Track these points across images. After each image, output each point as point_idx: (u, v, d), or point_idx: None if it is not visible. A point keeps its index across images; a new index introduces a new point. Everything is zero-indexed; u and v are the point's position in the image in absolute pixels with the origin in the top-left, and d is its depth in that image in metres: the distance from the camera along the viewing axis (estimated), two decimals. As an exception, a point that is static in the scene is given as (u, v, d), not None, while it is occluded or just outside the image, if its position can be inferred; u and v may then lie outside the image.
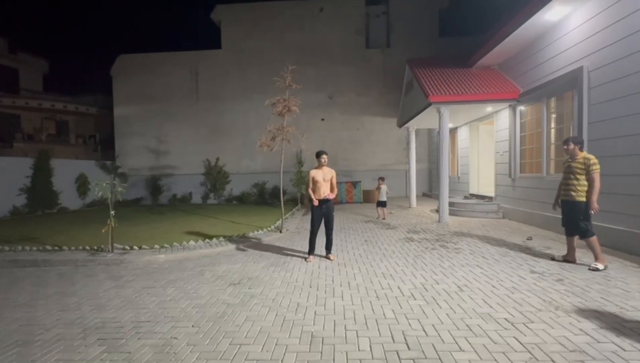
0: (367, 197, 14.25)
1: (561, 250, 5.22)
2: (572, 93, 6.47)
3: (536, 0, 6.46)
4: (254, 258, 5.51)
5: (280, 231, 7.61)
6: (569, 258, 4.72)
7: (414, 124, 12.18)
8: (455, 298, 3.55)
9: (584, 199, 4.44)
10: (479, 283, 3.97)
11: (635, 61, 4.99)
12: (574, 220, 4.55)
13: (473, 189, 11.57)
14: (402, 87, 13.17)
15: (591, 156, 4.45)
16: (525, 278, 4.12)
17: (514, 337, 2.71)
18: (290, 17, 16.84)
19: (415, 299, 3.57)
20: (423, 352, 2.54)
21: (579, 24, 6.21)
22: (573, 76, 6.30)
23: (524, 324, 2.92)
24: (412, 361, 2.43)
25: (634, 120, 5.02)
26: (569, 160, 4.67)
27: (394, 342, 2.71)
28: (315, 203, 5.18)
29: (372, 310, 3.34)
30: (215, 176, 16.30)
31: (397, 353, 2.54)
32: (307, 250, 5.43)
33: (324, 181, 5.24)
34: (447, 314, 3.17)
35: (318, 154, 5.34)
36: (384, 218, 9.45)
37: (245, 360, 2.52)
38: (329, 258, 5.28)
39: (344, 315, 3.23)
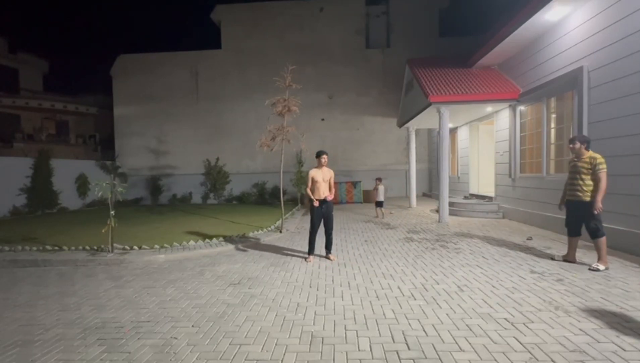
0: (367, 197, 14.25)
1: (561, 250, 5.22)
2: (572, 93, 6.47)
3: (536, 0, 6.46)
4: (254, 258, 5.51)
5: (280, 231, 7.61)
6: (569, 258, 4.72)
7: (414, 124, 12.18)
8: (455, 298, 3.55)
9: (589, 199, 4.37)
10: (479, 283, 3.97)
11: (635, 61, 4.99)
12: (581, 221, 4.50)
13: (473, 189, 11.57)
14: (402, 87, 13.17)
15: (597, 156, 4.37)
16: (525, 278, 4.12)
17: (514, 337, 2.71)
18: (290, 17, 16.84)
19: (415, 299, 3.57)
20: (423, 352, 2.54)
21: (578, 24, 6.21)
22: (573, 76, 6.30)
23: (524, 324, 2.92)
24: (412, 361, 2.43)
25: (634, 120, 5.02)
26: (575, 159, 4.58)
27: (394, 342, 2.71)
28: (316, 203, 5.18)
29: (372, 310, 3.34)
30: (215, 176, 16.30)
31: (397, 353, 2.54)
32: (307, 250, 5.43)
33: (323, 181, 5.24)
34: (447, 314, 3.17)
35: (318, 154, 5.34)
36: (383, 218, 9.57)
37: (245, 360, 2.52)
38: (329, 258, 5.28)
39: (344, 315, 3.23)
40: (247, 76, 16.87)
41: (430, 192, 16.16)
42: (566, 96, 6.78)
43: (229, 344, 2.75)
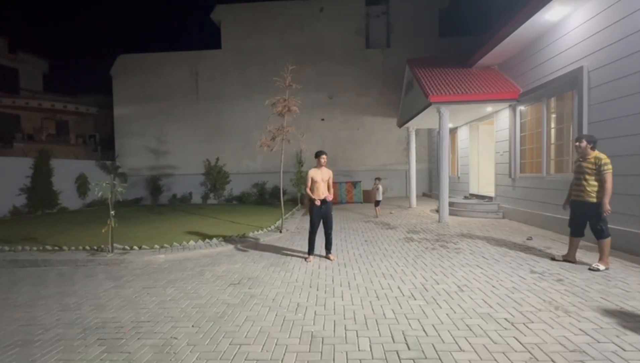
0: (367, 197, 14.25)
1: (561, 250, 5.22)
2: (572, 93, 6.47)
3: (536, 0, 6.46)
4: (254, 258, 5.51)
5: (280, 231, 7.61)
6: (569, 258, 4.71)
7: (414, 124, 12.18)
8: (455, 298, 3.55)
9: (594, 200, 4.32)
10: (479, 283, 3.97)
11: (635, 61, 4.99)
12: (584, 221, 4.47)
13: (473, 189, 11.57)
14: (402, 87, 13.17)
15: (602, 156, 4.30)
16: (525, 278, 4.12)
17: (514, 337, 2.71)
18: (290, 17, 16.84)
19: (415, 299, 3.57)
20: (423, 352, 2.54)
21: (578, 24, 6.21)
22: (573, 76, 6.30)
23: (524, 324, 2.92)
24: (412, 361, 2.43)
25: (634, 120, 5.02)
26: (580, 159, 4.51)
27: (394, 342, 2.71)
28: (317, 202, 5.18)
29: (372, 310, 3.34)
30: (215, 176, 16.30)
31: (397, 353, 2.54)
32: (307, 250, 5.43)
33: (322, 181, 5.25)
34: (447, 314, 3.17)
35: (317, 154, 5.34)
36: (376, 217, 9.80)
37: (245, 360, 2.52)
38: (328, 258, 5.28)
39: (344, 315, 3.23)
40: (247, 76, 16.87)
41: (430, 192, 16.16)
42: (566, 96, 6.78)
43: (229, 344, 2.75)
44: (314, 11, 16.73)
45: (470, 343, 2.63)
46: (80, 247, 6.17)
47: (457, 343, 2.65)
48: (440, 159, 9.06)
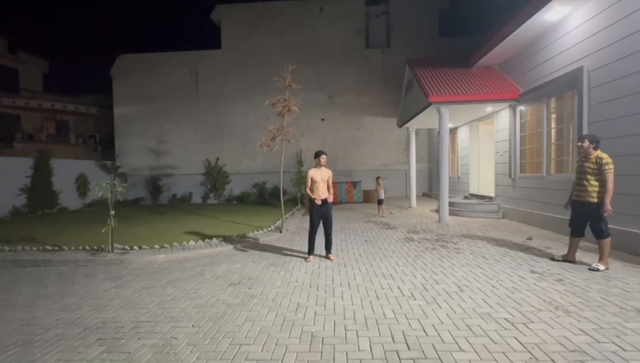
0: (367, 197, 14.25)
1: (561, 250, 5.22)
2: (572, 93, 6.47)
3: (536, 0, 6.46)
4: (253, 258, 5.51)
5: (280, 231, 7.61)
6: (569, 258, 4.71)
7: (414, 124, 12.18)
8: (455, 298, 3.55)
9: (595, 200, 4.31)
10: (479, 283, 3.97)
11: (635, 61, 4.99)
12: (585, 221, 4.46)
13: (473, 189, 11.57)
14: (402, 87, 13.17)
15: (604, 156, 4.27)
16: (525, 278, 4.12)
17: (514, 337, 2.71)
18: (290, 17, 16.84)
19: (415, 299, 3.57)
20: (423, 352, 2.54)
21: (578, 24, 6.21)
22: (573, 76, 6.30)
23: (524, 324, 2.92)
24: (412, 361, 2.43)
25: (634, 120, 5.02)
26: (582, 159, 4.49)
27: (394, 342, 2.71)
28: (318, 202, 5.18)
29: (372, 310, 3.34)
30: (215, 176, 16.30)
31: (397, 353, 2.54)
32: (306, 250, 5.43)
33: (322, 181, 5.25)
34: (447, 314, 3.17)
35: (317, 154, 5.34)
36: (383, 215, 9.89)
37: (245, 360, 2.52)
38: (328, 258, 5.28)
39: (344, 315, 3.23)
40: (247, 76, 16.87)
41: (430, 192, 16.16)
42: (566, 96, 6.78)
43: (229, 344, 2.75)
44: (314, 11, 16.74)
45: (470, 343, 2.63)
46: (80, 247, 6.17)
47: (457, 343, 2.65)
48: (440, 159, 9.05)
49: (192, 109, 17.27)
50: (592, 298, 3.44)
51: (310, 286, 4.07)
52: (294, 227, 8.29)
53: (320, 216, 5.25)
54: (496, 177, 9.59)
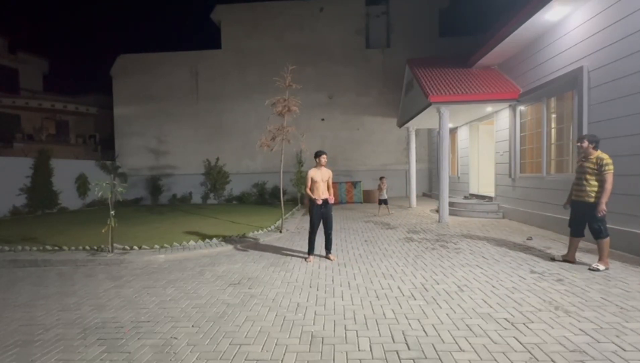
0: (367, 197, 14.25)
1: (561, 250, 5.22)
2: (572, 93, 6.47)
3: (536, 0, 6.46)
4: (253, 258, 5.51)
5: (280, 231, 7.61)
6: (568, 258, 4.71)
7: (414, 124, 12.18)
8: (455, 298, 3.55)
9: (593, 200, 4.30)
10: (479, 283, 3.97)
11: (635, 60, 4.99)
12: (584, 221, 4.46)
13: (473, 189, 11.57)
14: (402, 87, 13.17)
15: (604, 156, 4.27)
16: (525, 278, 4.12)
17: (514, 337, 2.71)
18: (290, 17, 16.84)
19: (415, 299, 3.57)
20: (423, 352, 2.54)
21: (578, 24, 6.21)
22: (573, 76, 6.30)
23: (524, 324, 2.92)
24: (412, 361, 2.43)
25: (634, 120, 5.02)
26: (582, 159, 4.49)
27: (394, 342, 2.71)
28: (319, 201, 5.18)
29: (372, 310, 3.34)
30: (215, 176, 16.30)
31: (397, 353, 2.54)
32: (306, 250, 5.43)
33: (322, 181, 5.25)
34: (447, 314, 3.17)
35: (317, 154, 5.35)
36: (386, 214, 10.03)
37: (245, 360, 2.52)
38: (329, 258, 5.28)
39: (344, 315, 3.23)
40: (247, 76, 16.86)
41: (430, 192, 16.16)
42: (566, 96, 6.78)
43: (229, 344, 2.75)
44: (314, 11, 16.73)
45: (470, 343, 2.63)
46: (80, 247, 6.17)
47: (457, 343, 2.65)
48: (440, 159, 9.05)
49: (192, 109, 17.27)
50: (592, 298, 3.44)
51: (310, 286, 4.07)
52: (294, 227, 8.29)
53: (320, 216, 5.25)
54: (496, 177, 9.59)
